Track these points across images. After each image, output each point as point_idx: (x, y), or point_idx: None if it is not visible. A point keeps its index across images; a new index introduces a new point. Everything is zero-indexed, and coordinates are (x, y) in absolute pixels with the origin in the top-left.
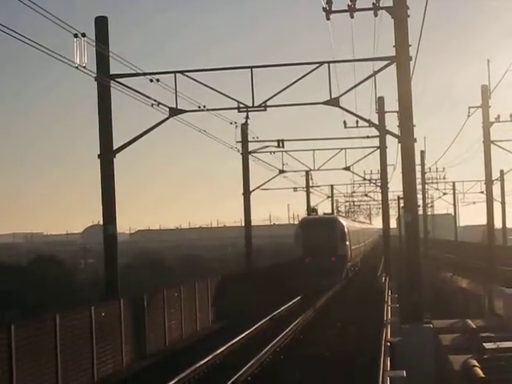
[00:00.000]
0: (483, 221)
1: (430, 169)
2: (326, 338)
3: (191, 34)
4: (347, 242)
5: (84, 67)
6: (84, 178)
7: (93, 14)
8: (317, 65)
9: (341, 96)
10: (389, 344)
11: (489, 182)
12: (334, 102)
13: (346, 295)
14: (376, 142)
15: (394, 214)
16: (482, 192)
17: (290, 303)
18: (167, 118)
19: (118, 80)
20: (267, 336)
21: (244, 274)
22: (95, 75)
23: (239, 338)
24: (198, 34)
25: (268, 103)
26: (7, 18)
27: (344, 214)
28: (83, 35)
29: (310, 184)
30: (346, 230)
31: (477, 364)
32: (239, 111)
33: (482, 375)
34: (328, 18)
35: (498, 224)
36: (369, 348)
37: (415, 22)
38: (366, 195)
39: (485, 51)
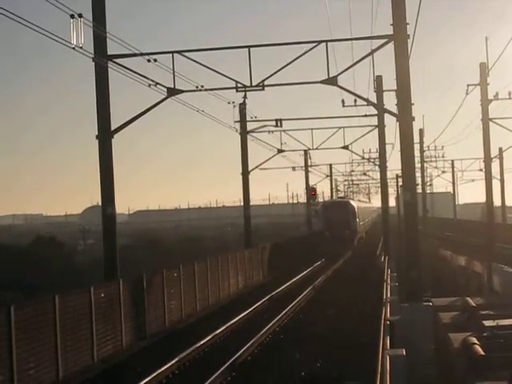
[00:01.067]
0: (482, 199)
1: (428, 147)
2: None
3: (189, 15)
4: (357, 219)
5: (81, 48)
6: (83, 159)
7: None
8: (314, 44)
9: (339, 75)
10: (388, 323)
11: (487, 160)
12: (331, 80)
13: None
14: (374, 120)
15: (392, 192)
16: (480, 170)
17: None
18: (165, 98)
19: (116, 60)
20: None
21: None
22: (92, 56)
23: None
24: (197, 15)
25: (266, 82)
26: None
27: (343, 193)
28: (80, 16)
29: (309, 163)
30: (355, 210)
31: (476, 342)
32: (237, 91)
33: (482, 353)
34: None
35: (497, 202)
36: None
37: (413, 0)
38: (365, 174)
39: (483, 29)
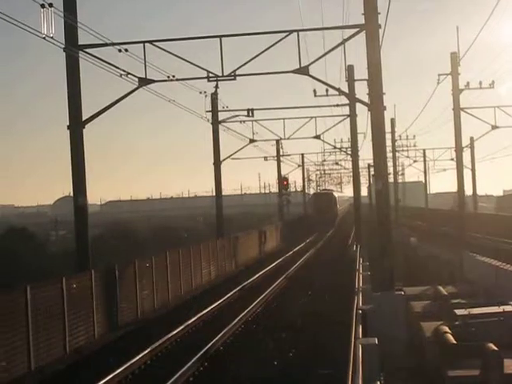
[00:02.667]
0: (454, 188)
1: (400, 136)
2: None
3: (162, 5)
4: (337, 206)
5: (51, 38)
6: (54, 149)
7: None
8: (286, 33)
9: (310, 64)
10: (360, 312)
11: (459, 149)
12: (303, 70)
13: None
14: (346, 110)
15: (364, 182)
16: (452, 159)
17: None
18: (136, 88)
19: (87, 50)
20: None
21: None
22: (63, 46)
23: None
24: (169, 6)
25: (237, 72)
26: None
27: (315, 183)
28: (50, 5)
29: (281, 153)
30: (336, 199)
31: (448, 330)
32: (209, 81)
33: (454, 341)
34: None
35: (468, 191)
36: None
37: None
38: (337, 164)
39: (454, 18)
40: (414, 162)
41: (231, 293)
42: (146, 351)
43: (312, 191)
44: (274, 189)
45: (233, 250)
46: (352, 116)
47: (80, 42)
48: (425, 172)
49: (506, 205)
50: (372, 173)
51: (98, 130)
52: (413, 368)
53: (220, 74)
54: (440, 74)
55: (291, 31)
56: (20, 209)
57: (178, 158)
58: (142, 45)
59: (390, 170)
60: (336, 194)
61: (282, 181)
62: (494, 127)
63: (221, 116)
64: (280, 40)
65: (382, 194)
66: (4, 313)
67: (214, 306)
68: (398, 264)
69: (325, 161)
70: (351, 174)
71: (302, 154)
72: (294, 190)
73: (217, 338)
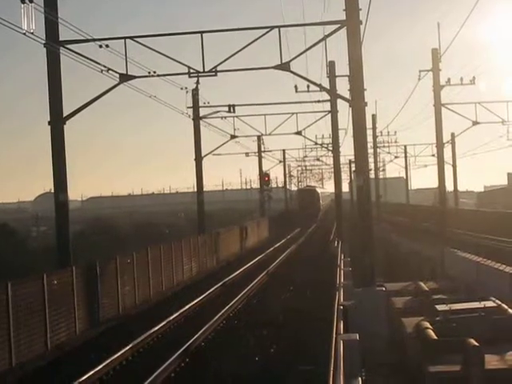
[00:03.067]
0: (435, 184)
1: (381, 132)
2: None
3: (142, 1)
4: (320, 201)
5: (32, 33)
6: (35, 145)
7: None
8: (267, 29)
9: (291, 60)
10: (342, 307)
11: (440, 145)
12: (284, 66)
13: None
14: (327, 106)
15: (345, 178)
16: (433, 155)
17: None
18: (117, 84)
19: (68, 46)
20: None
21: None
22: (44, 42)
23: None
24: (150, 1)
25: (219, 68)
26: None
27: (297, 179)
28: (30, 1)
29: (262, 149)
30: (319, 195)
31: (429, 326)
32: (190, 76)
33: (435, 337)
34: None
35: (449, 187)
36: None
37: None
38: (318, 159)
39: (435, 14)
40: (395, 157)
41: (212, 289)
42: (128, 347)
43: (293, 187)
44: (256, 185)
45: (214, 245)
46: (333, 112)
47: (61, 38)
48: (406, 168)
49: (486, 201)
50: (353, 169)
51: (80, 126)
52: (394, 364)
53: (201, 70)
54: (421, 70)
55: (272, 27)
56: (1, 205)
57: (160, 154)
58: (123, 41)
59: (371, 165)
60: (319, 190)
61: (264, 177)
62: (475, 123)
63: (202, 112)
64: (261, 36)
65: (363, 189)
66: None
67: (195, 301)
68: (379, 260)
69: (306, 157)
70: (332, 169)
71: (284, 150)
72: (275, 185)
73: (198, 335)
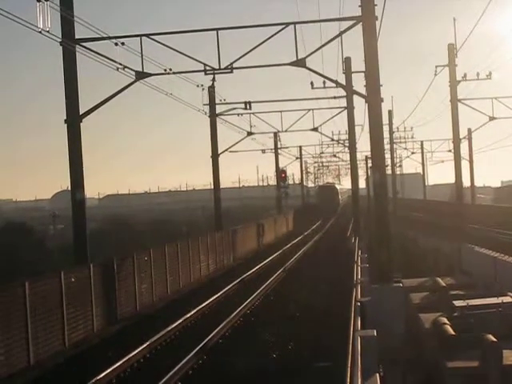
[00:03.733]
0: (452, 179)
1: (397, 128)
2: None
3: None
4: (339, 196)
5: (48, 32)
6: (53, 142)
7: None
8: (283, 26)
9: (307, 57)
10: (359, 304)
11: (456, 141)
12: (300, 62)
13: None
14: (343, 102)
15: (362, 174)
16: (449, 151)
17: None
18: (134, 82)
19: (84, 44)
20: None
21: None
22: (60, 40)
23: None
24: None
25: (234, 65)
26: None
27: (313, 175)
28: None
29: (279, 145)
30: (338, 191)
31: (447, 322)
32: (206, 74)
33: (452, 333)
34: None
35: (466, 182)
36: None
37: None
38: (335, 156)
39: (451, 9)
40: (412, 153)
41: (229, 286)
42: (145, 345)
43: (310, 184)
44: (272, 181)
45: (231, 242)
46: (349, 108)
47: (77, 36)
48: (423, 164)
49: (503, 196)
50: (370, 165)
51: (96, 124)
52: (411, 359)
53: (217, 67)
54: (437, 65)
55: (288, 24)
56: (19, 203)
57: (176, 151)
58: (138, 38)
59: (388, 161)
60: (338, 187)
61: (280, 173)
62: (492, 118)
63: (218, 109)
64: (277, 32)
65: (380, 185)
66: (3, 308)
67: (212, 299)
68: (396, 256)
69: (322, 153)
70: (349, 166)
71: (300, 147)
72: (292, 182)
73: (215, 332)
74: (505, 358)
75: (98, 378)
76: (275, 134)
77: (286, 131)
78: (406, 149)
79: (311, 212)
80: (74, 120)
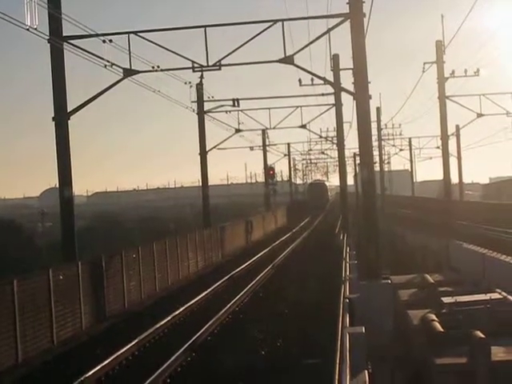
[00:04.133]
0: (440, 176)
1: (386, 125)
2: None
3: None
4: (328, 193)
5: (35, 29)
6: (40, 140)
7: None
8: (271, 23)
9: (295, 54)
10: (347, 300)
11: (444, 137)
12: (288, 59)
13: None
14: (331, 99)
15: (350, 171)
16: (438, 147)
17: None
18: (121, 79)
19: (71, 42)
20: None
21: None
22: (48, 37)
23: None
24: None
25: (222, 62)
26: None
27: (302, 172)
28: None
29: (267, 143)
30: (327, 188)
31: (435, 318)
32: (194, 71)
33: (441, 329)
34: None
35: (454, 179)
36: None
37: None
38: (323, 153)
39: (439, 6)
40: (400, 150)
41: (218, 283)
42: (134, 342)
43: (298, 180)
44: (261, 178)
45: (220, 239)
46: (337, 105)
47: (64, 34)
48: (411, 160)
49: (491, 192)
50: (358, 162)
51: (85, 121)
52: (400, 356)
53: (205, 64)
54: (425, 62)
55: (276, 21)
56: (7, 200)
57: (164, 148)
58: (126, 36)
59: (376, 158)
60: (327, 184)
61: (269, 170)
62: (480, 115)
63: (206, 106)
64: (265, 29)
65: (368, 182)
66: None
67: (200, 296)
68: (384, 252)
69: (311, 150)
70: (337, 163)
71: (288, 144)
72: (280, 179)
73: (203, 329)
74: (493, 355)
75: (87, 375)
76: (263, 131)
77: (274, 128)
78: (394, 146)
79: (301, 208)
80: (61, 118)
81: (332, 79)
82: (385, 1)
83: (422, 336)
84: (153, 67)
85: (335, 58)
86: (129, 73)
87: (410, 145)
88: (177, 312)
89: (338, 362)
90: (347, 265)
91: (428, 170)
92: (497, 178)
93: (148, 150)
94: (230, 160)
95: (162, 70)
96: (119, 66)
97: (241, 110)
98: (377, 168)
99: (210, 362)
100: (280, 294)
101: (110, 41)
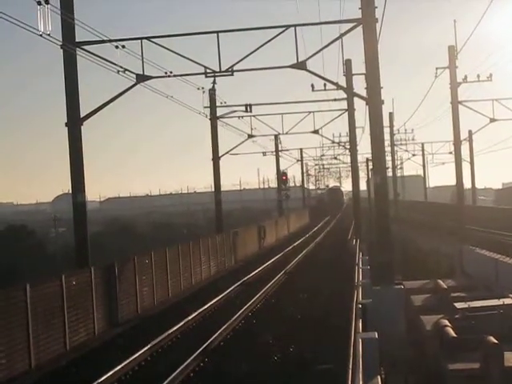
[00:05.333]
0: (452, 181)
1: (398, 130)
2: None
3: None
4: (344, 197)
5: (48, 35)
6: (53, 146)
7: None
8: (283, 28)
9: (308, 59)
10: (360, 306)
11: (457, 143)
12: (300, 65)
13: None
14: (344, 104)
15: (363, 176)
16: (450, 153)
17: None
18: (134, 85)
19: (84, 47)
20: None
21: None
22: (60, 43)
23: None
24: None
25: (235, 68)
26: None
27: (314, 178)
28: (46, 2)
29: (279, 148)
30: (343, 192)
31: (448, 324)
32: (206, 76)
33: (454, 334)
34: None
35: (467, 184)
36: None
37: None
38: (336, 158)
39: (452, 11)
40: (413, 155)
41: (231, 288)
42: (146, 348)
43: (311, 186)
44: (273, 184)
45: (232, 245)
46: (350, 110)
47: (77, 39)
48: (423, 165)
49: (504, 197)
50: (371, 167)
51: (98, 127)
52: (413, 361)
53: (217, 70)
54: (438, 67)
55: (288, 26)
56: (20, 206)
57: (177, 154)
58: (139, 41)
59: (389, 163)
60: (343, 189)
61: (281, 176)
62: (493, 120)
63: (219, 112)
64: (277, 35)
65: (381, 187)
66: (4, 311)
67: (213, 302)
68: (397, 258)
69: (323, 155)
70: (350, 168)
71: (301, 149)
72: (293, 184)
73: (216, 334)
74: (506, 360)
75: (100, 381)
76: (276, 137)
77: (286, 133)
78: (406, 151)
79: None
80: (74, 123)
81: (345, 84)
82: (397, 6)
83: (434, 341)
84: (165, 73)
85: (348, 63)
86: (141, 78)
87: (423, 150)
88: (189, 317)
89: (351, 367)
90: (360, 270)
91: (441, 176)
92: (510, 183)
93: (161, 156)
94: (243, 165)
95: (174, 76)
96: (132, 72)
97: (253, 116)
98: (389, 173)
99: (223, 367)
100: (292, 300)
101: (123, 46)
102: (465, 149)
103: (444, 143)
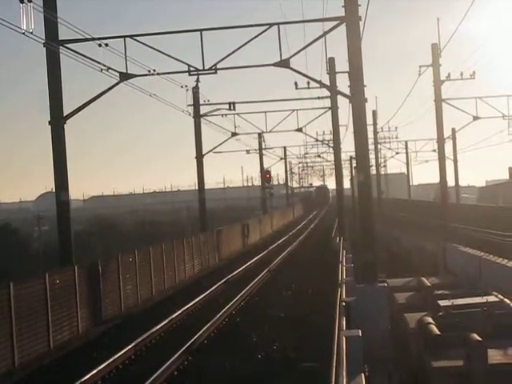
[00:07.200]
0: (436, 179)
1: (382, 128)
2: None
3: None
4: (329, 194)
5: (31, 33)
6: (36, 144)
7: None
8: (267, 26)
9: (291, 57)
10: (344, 304)
11: (441, 141)
12: (284, 63)
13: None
14: (327, 102)
15: (347, 174)
16: (434, 150)
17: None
18: (118, 83)
19: (67, 46)
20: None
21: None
22: (43, 41)
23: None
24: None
25: (218, 66)
26: None
27: (298, 176)
28: (29, 0)
29: (263, 146)
30: (329, 190)
31: (432, 321)
32: (190, 74)
33: (438, 332)
34: None
35: (450, 182)
36: None
37: None
38: (319, 156)
39: (435, 9)
40: (397, 153)
41: (214, 286)
42: (130, 346)
43: (295, 184)
44: (257, 182)
45: (216, 243)
46: (333, 108)
47: (60, 38)
48: (407, 163)
49: (488, 195)
50: (354, 165)
51: (81, 126)
52: (397, 359)
53: (201, 68)
54: (421, 65)
55: (272, 24)
56: (3, 205)
57: (161, 152)
58: (122, 40)
59: (373, 162)
60: (329, 187)
61: (265, 174)
62: (476, 118)
63: (202, 110)
64: (261, 33)
65: (364, 185)
66: None
67: (197, 299)
68: (381, 256)
69: (307, 153)
70: (333, 166)
71: (285, 147)
72: (276, 182)
73: (200, 333)
74: (490, 357)
75: (83, 379)
76: (259, 135)
77: (270, 132)
78: (390, 149)
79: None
80: (57, 121)
81: (328, 82)
82: (381, 4)
83: (418, 339)
84: (149, 71)
85: (331, 62)
86: (125, 77)
87: (407, 148)
88: (173, 315)
89: (334, 365)
90: (343, 268)
91: (424, 173)
92: (493, 181)
93: (145, 154)
94: (227, 164)
95: (158, 74)
96: (115, 70)
97: (237, 114)
98: (373, 171)
99: (206, 366)
100: (276, 298)
101: (106, 45)
102: (448, 147)
103: (427, 141)
